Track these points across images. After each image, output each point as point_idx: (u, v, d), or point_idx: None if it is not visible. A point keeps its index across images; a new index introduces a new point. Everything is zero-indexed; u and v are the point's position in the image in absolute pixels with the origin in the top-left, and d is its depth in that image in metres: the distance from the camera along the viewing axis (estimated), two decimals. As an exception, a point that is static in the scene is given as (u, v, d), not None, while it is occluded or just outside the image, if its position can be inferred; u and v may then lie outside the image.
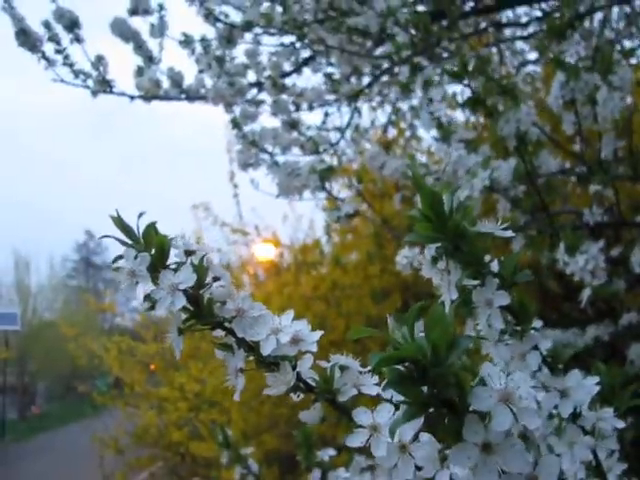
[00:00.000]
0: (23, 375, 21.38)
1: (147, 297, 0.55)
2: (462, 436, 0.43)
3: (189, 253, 0.57)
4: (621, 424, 0.63)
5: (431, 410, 0.45)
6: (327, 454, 1.20)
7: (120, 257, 0.55)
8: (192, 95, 2.49)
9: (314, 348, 0.58)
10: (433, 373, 0.42)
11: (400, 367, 0.43)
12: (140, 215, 0.56)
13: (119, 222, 0.56)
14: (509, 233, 0.57)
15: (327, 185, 1.78)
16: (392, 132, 3.47)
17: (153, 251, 0.55)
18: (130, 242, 0.56)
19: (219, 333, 0.56)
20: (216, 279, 0.56)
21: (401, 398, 0.45)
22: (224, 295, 0.55)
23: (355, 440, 0.53)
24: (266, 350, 0.55)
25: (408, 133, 3.24)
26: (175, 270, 0.55)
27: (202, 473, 4.23)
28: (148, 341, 5.28)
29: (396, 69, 2.02)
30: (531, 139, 1.32)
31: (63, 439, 12.92)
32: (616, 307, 1.90)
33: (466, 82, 1.37)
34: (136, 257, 0.55)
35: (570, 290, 1.92)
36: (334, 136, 2.59)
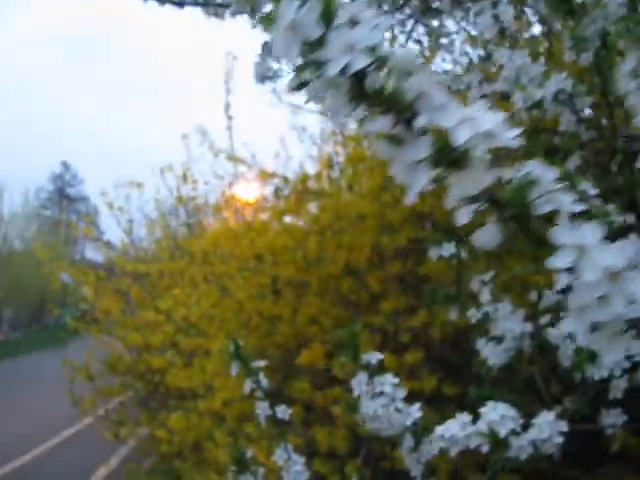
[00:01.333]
0: (-11, 301, 21.22)
1: (301, 67, 0.43)
2: None
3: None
4: None
5: None
6: (375, 357, 1.11)
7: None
8: (210, 2, 2.35)
9: (514, 144, 0.45)
10: None
11: None
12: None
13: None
14: None
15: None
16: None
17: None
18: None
19: (384, 123, 0.45)
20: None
21: None
22: (409, 68, 0.43)
23: (560, 261, 0.43)
24: (459, 139, 0.43)
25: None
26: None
27: (174, 405, 4.15)
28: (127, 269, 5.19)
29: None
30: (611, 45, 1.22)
31: (28, 366, 12.86)
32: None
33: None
34: (302, 5, 0.43)
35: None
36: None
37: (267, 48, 2.06)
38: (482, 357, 1.58)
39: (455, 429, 0.93)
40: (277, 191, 2.99)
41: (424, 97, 0.43)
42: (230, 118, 5.05)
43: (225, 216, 4.67)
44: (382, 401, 1.08)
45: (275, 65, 2.07)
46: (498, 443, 0.89)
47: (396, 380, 1.09)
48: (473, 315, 1.45)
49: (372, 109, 0.44)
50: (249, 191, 4.80)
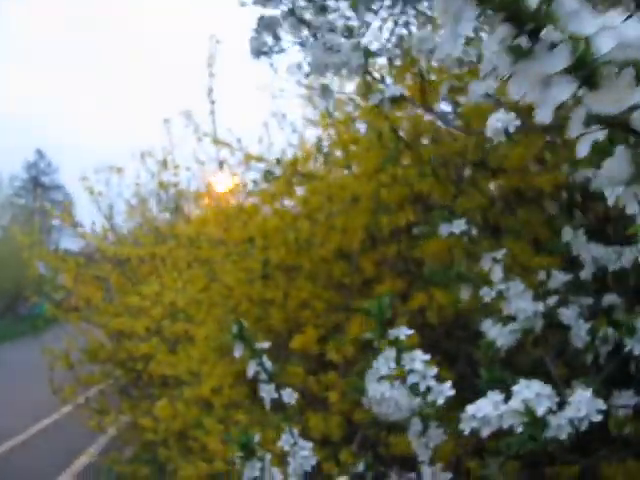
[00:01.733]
0: (-38, 292, 20.96)
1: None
2: None
3: None
4: None
5: None
6: (403, 333, 1.05)
7: None
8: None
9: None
10: None
11: None
12: None
13: None
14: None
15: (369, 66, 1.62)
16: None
17: None
18: None
19: (507, 32, 0.39)
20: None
21: None
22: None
23: None
24: (603, 47, 0.37)
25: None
26: None
27: (157, 393, 4.09)
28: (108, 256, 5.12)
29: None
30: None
31: (3, 356, 12.75)
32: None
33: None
34: None
35: None
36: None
37: (263, 23, 2.00)
38: (488, 339, 1.54)
39: (487, 408, 0.88)
40: (266, 174, 2.94)
41: (554, 2, 0.37)
42: (213, 102, 4.98)
43: (207, 202, 4.60)
44: (413, 378, 1.02)
45: (270, 40, 2.01)
46: (536, 422, 0.84)
47: (427, 357, 1.03)
48: (486, 294, 1.41)
49: (493, 16, 0.38)
50: (232, 177, 4.72)
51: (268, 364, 1.36)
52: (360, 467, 1.41)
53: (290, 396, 1.38)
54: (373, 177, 2.20)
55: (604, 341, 1.50)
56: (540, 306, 1.42)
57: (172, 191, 5.44)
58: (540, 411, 0.84)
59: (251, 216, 2.47)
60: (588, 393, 0.87)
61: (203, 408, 3.05)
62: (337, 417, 2.31)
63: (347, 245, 2.45)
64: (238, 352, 1.34)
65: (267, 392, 1.37)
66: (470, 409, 0.90)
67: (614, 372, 1.40)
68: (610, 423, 2.09)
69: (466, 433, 0.90)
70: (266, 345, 1.36)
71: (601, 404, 0.87)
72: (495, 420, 0.87)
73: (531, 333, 1.55)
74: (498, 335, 1.53)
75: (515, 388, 0.89)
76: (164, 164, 5.52)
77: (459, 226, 1.44)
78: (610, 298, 1.61)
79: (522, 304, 1.40)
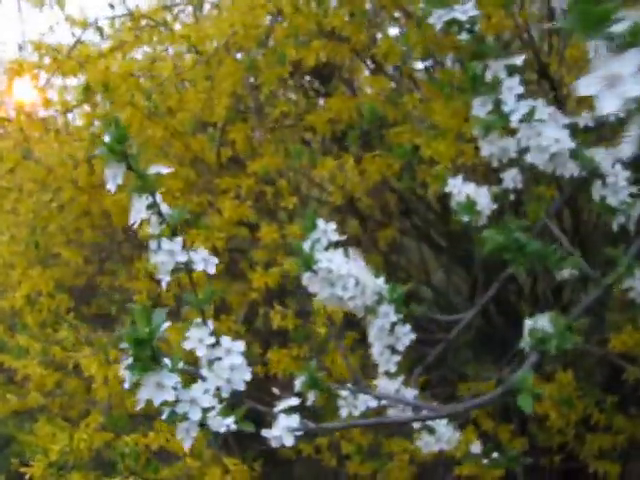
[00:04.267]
0: None
1: None
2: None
3: None
4: None
5: None
6: None
7: None
8: None
9: None
10: None
11: None
12: None
13: None
14: None
15: None
16: None
17: None
18: None
19: None
20: None
21: None
22: None
23: None
24: None
25: None
26: None
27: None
28: None
29: None
30: None
31: None
32: None
33: None
34: None
35: None
36: None
37: None
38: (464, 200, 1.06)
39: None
40: (99, 28, 2.28)
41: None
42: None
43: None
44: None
45: None
46: None
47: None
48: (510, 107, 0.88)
49: None
50: (27, 91, 3.88)
51: (164, 207, 0.78)
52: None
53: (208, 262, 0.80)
54: (262, 8, 1.62)
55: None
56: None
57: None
58: None
59: (88, 59, 1.80)
60: None
61: (8, 328, 2.38)
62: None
63: (210, 113, 1.90)
64: (113, 175, 0.73)
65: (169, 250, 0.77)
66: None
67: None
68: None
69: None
70: (165, 170, 0.77)
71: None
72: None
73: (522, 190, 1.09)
74: (478, 194, 1.05)
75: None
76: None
77: (466, 12, 0.90)
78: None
79: (552, 131, 0.89)
